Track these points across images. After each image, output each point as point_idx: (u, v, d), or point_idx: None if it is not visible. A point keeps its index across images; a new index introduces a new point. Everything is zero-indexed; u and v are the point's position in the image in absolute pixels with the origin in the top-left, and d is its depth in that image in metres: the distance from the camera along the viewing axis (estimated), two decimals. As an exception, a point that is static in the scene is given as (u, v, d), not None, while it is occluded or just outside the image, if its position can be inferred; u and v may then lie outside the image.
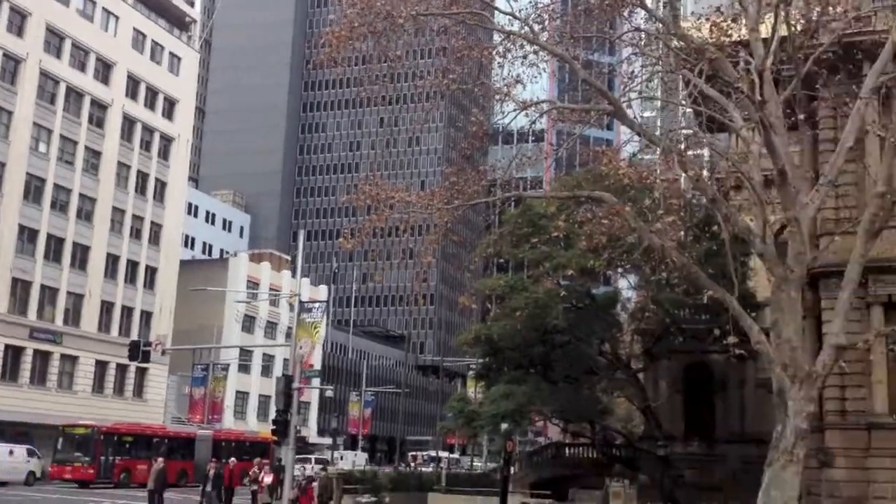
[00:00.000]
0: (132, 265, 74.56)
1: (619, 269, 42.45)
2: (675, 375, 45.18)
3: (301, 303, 39.07)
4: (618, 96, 24.78)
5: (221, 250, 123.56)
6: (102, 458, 51.30)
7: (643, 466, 43.26)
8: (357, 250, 31.12)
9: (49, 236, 66.74)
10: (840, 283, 24.65)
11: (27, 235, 65.35)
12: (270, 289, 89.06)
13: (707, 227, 32.98)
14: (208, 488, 34.44)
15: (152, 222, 77.09)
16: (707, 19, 23.49)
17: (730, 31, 24.08)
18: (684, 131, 26.59)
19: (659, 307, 37.38)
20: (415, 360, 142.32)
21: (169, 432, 59.73)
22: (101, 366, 70.82)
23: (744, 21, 22.93)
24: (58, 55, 68.50)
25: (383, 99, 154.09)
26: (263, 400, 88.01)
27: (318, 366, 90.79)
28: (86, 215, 70.29)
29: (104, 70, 72.97)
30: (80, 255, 69.58)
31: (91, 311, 70.01)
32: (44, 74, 66.95)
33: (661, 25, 23.57)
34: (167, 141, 79.85)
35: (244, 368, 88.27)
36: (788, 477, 23.26)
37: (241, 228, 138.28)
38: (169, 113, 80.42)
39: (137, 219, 75.52)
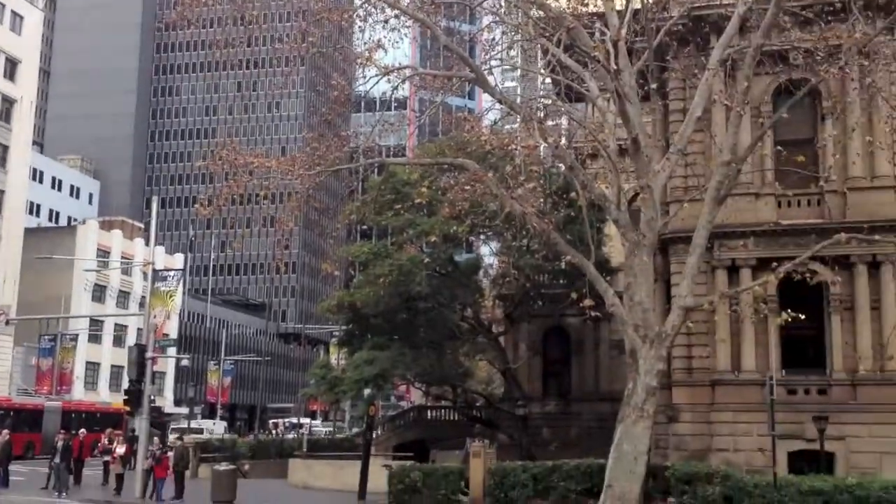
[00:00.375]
0: (-29, 233, 70.16)
1: (482, 236, 43.13)
2: (534, 338, 46.46)
3: (155, 271, 37.79)
4: (479, 64, 25.02)
5: (69, 218, 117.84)
6: (-56, 430, 48.47)
7: (503, 426, 44.42)
8: (215, 218, 30.28)
9: None
10: (688, 248, 25.88)
11: None
12: (122, 257, 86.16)
13: (565, 195, 33.84)
14: (56, 460, 33.22)
15: (-7, 188, 72.75)
16: (566, -11, 23.88)
17: (587, 2, 24.65)
18: (543, 100, 27.11)
19: (520, 273, 38.22)
20: (276, 328, 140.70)
21: (14, 404, 57.14)
22: (-60, 338, 66.59)
23: (600, -8, 23.45)
24: None
25: (241, 62, 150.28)
26: (116, 370, 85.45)
27: (174, 335, 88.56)
28: (-82, 180, 65.45)
29: (-62, 27, 67.83)
30: (-86, 222, 64.83)
31: (-72, 283, 65.57)
32: None
33: (521, -6, 23.82)
34: (9, 103, 75.64)
35: (95, 339, 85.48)
36: (639, 432, 24.42)
37: (91, 195, 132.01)
38: (11, 74, 76.06)
39: (-23, 184, 71.07)
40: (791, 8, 24.70)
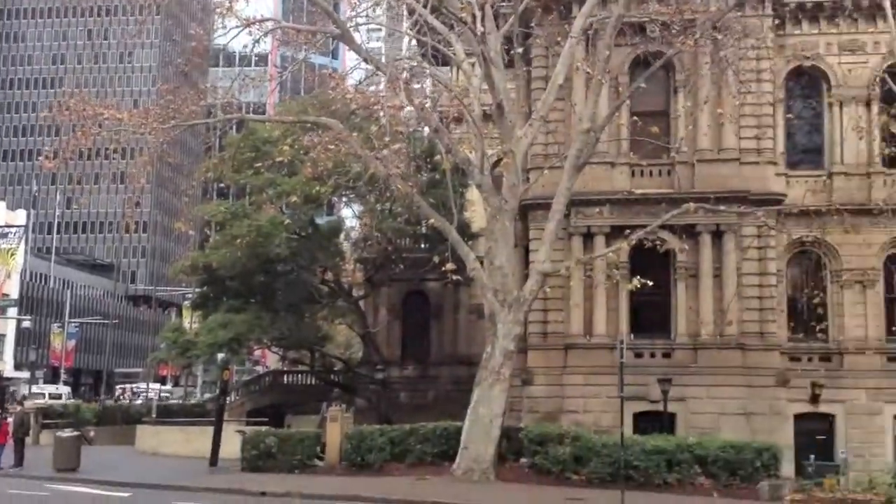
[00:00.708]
0: None
1: (344, 198, 42.59)
2: (394, 302, 46.50)
3: (-6, 227, 35.48)
4: (344, 20, 24.51)
5: None
6: None
7: (361, 390, 44.40)
8: (60, 172, 28.69)
9: None
10: (547, 215, 26.42)
11: None
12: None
13: (429, 159, 33.85)
14: None
15: None
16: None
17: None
18: (409, 61, 26.88)
19: (382, 236, 38.01)
20: (125, 289, 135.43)
21: None
22: None
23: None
24: None
25: (91, 9, 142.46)
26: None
27: (14, 295, 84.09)
28: None
29: None
30: None
31: None
32: None
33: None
34: None
35: (-76, 300, 79.78)
36: (496, 394, 24.91)
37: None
38: None
39: None
40: (651, -19, 25.37)
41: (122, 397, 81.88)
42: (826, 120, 33.40)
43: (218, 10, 22.21)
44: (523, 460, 25.36)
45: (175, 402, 66.90)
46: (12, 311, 75.66)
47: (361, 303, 45.92)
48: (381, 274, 44.95)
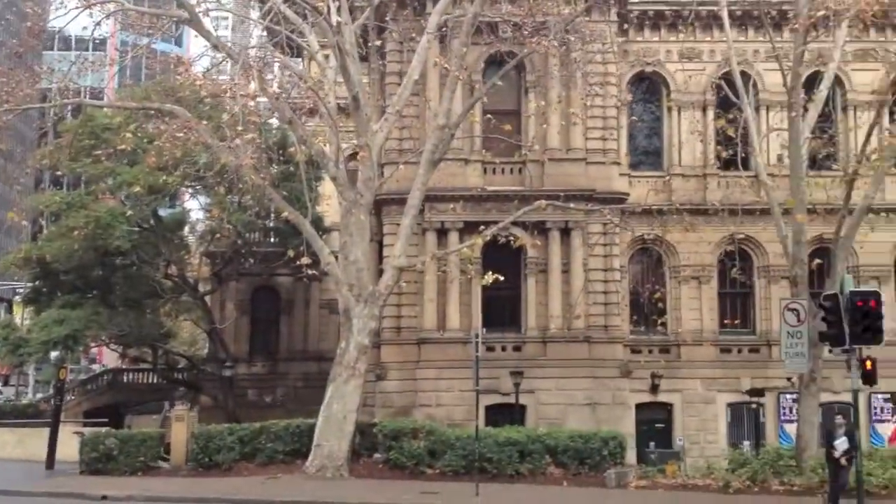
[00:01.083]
0: None
1: (190, 190, 41.11)
2: (243, 297, 45.41)
3: None
4: (192, 3, 23.63)
5: None
6: None
7: (207, 388, 43.07)
8: None
9: None
10: (402, 210, 26.40)
11: None
12: None
13: (282, 150, 33.05)
14: None
15: None
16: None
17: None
18: (262, 51, 26.19)
19: (231, 229, 37.01)
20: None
21: None
22: None
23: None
24: None
25: None
26: None
27: None
28: None
29: None
30: None
31: None
32: None
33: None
34: None
35: None
36: (350, 390, 24.68)
37: None
38: None
39: None
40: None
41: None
42: (666, 124, 35.06)
43: (57, -11, 20.94)
44: (377, 456, 25.27)
45: (6, 402, 62.87)
46: None
47: (208, 298, 44.50)
48: (229, 268, 43.74)
